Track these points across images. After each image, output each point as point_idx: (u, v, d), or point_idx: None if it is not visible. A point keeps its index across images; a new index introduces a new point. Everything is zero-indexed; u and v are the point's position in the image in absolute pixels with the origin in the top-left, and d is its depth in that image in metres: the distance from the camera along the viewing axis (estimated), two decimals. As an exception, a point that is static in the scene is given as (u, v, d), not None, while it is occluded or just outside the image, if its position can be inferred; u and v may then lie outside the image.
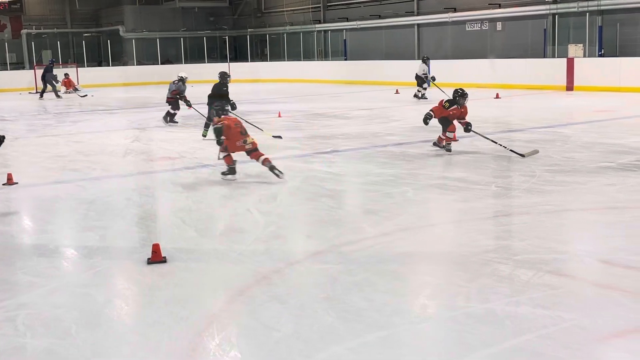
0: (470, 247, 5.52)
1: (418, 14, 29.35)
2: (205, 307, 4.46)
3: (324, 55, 34.86)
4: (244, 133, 8.73)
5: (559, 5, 23.30)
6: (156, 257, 5.36)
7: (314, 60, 34.84)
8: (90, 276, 5.22)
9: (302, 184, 8.41)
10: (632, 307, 4.17)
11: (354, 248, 5.63)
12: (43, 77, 25.41)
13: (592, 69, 21.34)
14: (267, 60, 37.44)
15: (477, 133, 10.29)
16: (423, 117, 10.43)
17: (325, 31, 34.67)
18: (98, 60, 38.44)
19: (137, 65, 35.22)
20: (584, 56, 22.42)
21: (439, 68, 25.90)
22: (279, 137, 12.11)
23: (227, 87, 13.08)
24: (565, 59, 22.00)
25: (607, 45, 22.17)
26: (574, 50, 22.77)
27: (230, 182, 8.66)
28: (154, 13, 39.60)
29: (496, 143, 9.96)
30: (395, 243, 5.80)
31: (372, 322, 4.09)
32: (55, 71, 26.16)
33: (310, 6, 35.37)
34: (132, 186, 8.63)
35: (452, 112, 10.05)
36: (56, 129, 15.82)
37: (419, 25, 29.35)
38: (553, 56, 23.57)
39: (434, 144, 10.52)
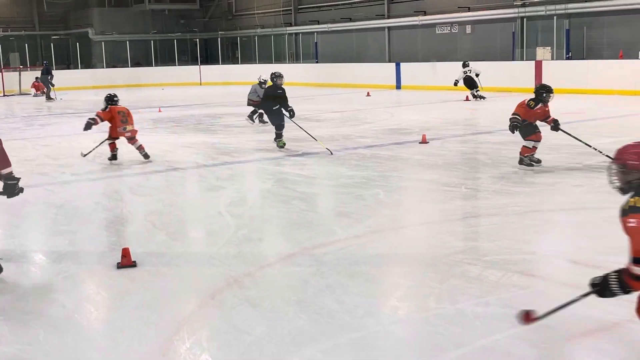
0: (441, 249, 5.56)
1: (388, 17, 29.50)
2: (176, 311, 4.43)
3: (296, 58, 34.87)
4: (125, 121, 10.23)
5: (527, 9, 23.58)
6: (126, 262, 5.32)
7: (286, 62, 34.84)
8: (59, 281, 5.16)
9: (274, 186, 8.41)
10: (599, 307, 4.22)
11: (325, 250, 5.64)
12: (44, 80, 25.66)
13: (559, 71, 21.62)
14: (238, 63, 37.34)
15: (566, 132, 9.25)
16: (510, 124, 8.90)
17: (297, 34, 34.70)
18: (67, 62, 38.01)
19: (106, 67, 34.92)
20: (552, 59, 22.72)
21: (410, 70, 26.15)
22: (330, 152, 10.52)
23: (282, 89, 11.23)
24: (533, 62, 22.27)
25: (574, 48, 22.49)
26: (542, 53, 23.06)
27: (201, 184, 8.62)
28: (123, 15, 39.27)
29: (590, 146, 9.09)
30: (366, 245, 5.82)
31: (344, 324, 4.10)
32: (25, 74, 26.03)
33: (281, 9, 35.37)
34: (102, 190, 8.55)
35: (538, 111, 8.92)
36: (24, 132, 15.61)
37: (389, 28, 29.50)
38: (522, 59, 23.84)
39: (521, 161, 8.97)
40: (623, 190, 3.34)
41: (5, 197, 5.39)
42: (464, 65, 20.07)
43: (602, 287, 3.31)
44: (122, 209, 7.52)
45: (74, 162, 10.78)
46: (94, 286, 5.13)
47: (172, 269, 5.35)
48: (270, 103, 11.27)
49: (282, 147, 11.28)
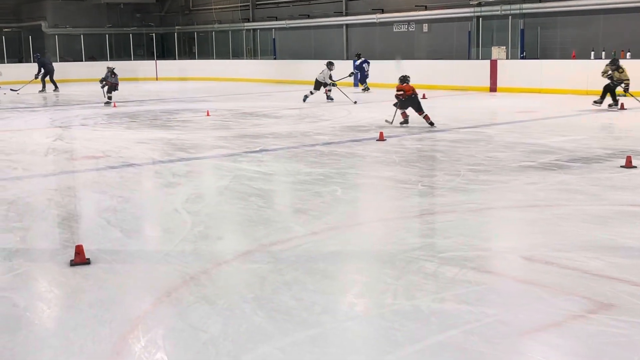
0: (398, 245, 5.59)
1: (346, 15, 29.58)
2: (131, 309, 4.37)
3: (253, 54, 34.73)
4: None
5: (483, 8, 23.89)
6: (79, 259, 5.23)
7: (243, 59, 34.68)
8: (9, 279, 5.04)
9: (231, 183, 8.36)
10: (551, 302, 4.31)
11: (283, 247, 5.63)
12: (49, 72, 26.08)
13: (514, 70, 21.97)
14: (195, 58, 37.03)
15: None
16: None
17: (254, 30, 34.54)
18: (19, 56, 37.17)
19: (60, 62, 34.26)
20: (507, 58, 23.06)
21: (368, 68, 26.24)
22: None
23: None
24: (489, 61, 22.57)
25: (528, 48, 22.86)
26: (497, 52, 23.39)
27: (157, 181, 8.53)
28: (77, 8, 38.55)
29: None
30: (324, 242, 5.83)
31: (301, 321, 4.10)
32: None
33: (239, 4, 35.17)
34: (54, 186, 8.39)
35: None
36: (-26, 127, 15.23)
37: (347, 25, 29.58)
38: (477, 58, 24.15)
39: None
40: None
41: None
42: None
43: None
44: (75, 205, 7.39)
45: (26, 158, 10.56)
46: (46, 284, 5.03)
47: (127, 266, 5.28)
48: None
49: None
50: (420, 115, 13.20)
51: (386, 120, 13.92)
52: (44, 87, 25.90)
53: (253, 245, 5.73)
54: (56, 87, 25.95)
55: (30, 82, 25.95)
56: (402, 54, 25.85)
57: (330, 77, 19.69)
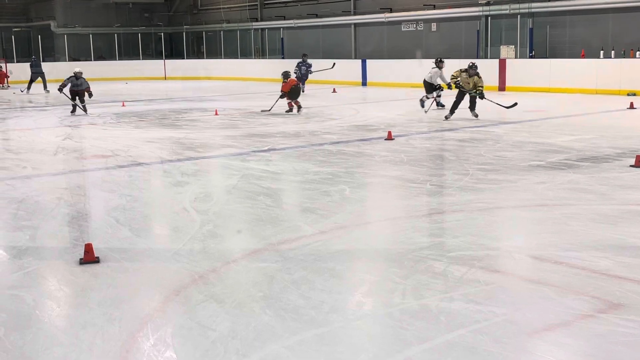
0: (406, 245, 5.59)
1: (354, 14, 29.56)
2: (140, 308, 4.38)
3: (261, 54, 34.75)
4: None
5: (492, 7, 23.83)
6: (89, 257, 5.25)
7: (251, 58, 34.70)
8: (19, 277, 5.07)
9: (239, 182, 8.37)
10: (560, 302, 4.30)
11: (291, 246, 5.64)
12: (40, 73, 26.69)
13: (523, 69, 21.90)
14: (203, 58, 37.09)
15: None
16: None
17: (263, 29, 34.57)
18: (28, 55, 37.33)
19: (69, 61, 34.40)
20: (516, 57, 22.99)
21: (376, 68, 26.25)
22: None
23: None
24: (497, 60, 22.50)
25: (537, 47, 22.78)
26: (506, 51, 23.32)
27: (165, 180, 8.54)
28: (86, 8, 38.70)
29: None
30: (332, 241, 5.83)
31: (309, 320, 4.10)
32: None
33: (247, 4, 35.21)
34: (64, 185, 8.42)
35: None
36: (-17, 126, 15.30)
37: (355, 24, 29.56)
38: (486, 57, 24.08)
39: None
40: None
41: None
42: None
43: None
44: (84, 204, 7.42)
45: (35, 157, 10.61)
46: (55, 282, 5.06)
47: (136, 265, 5.30)
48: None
49: None
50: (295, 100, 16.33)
51: (262, 110, 16.78)
52: (28, 87, 26.05)
53: (261, 244, 5.74)
54: (45, 88, 25.96)
55: (36, 81, 26.16)
56: (410, 53, 25.82)
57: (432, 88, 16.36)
